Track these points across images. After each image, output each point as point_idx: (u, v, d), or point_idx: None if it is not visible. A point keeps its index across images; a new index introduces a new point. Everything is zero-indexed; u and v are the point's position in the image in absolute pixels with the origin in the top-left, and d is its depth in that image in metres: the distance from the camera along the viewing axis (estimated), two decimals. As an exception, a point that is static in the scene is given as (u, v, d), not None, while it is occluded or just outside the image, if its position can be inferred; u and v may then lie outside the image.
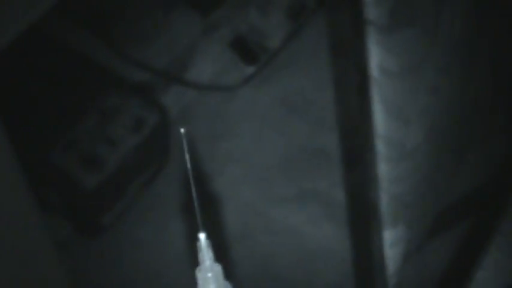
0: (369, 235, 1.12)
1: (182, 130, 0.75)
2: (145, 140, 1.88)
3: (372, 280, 1.16)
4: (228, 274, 1.89)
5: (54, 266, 1.71)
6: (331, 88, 2.12)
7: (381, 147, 1.02)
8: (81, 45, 1.93)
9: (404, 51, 0.98)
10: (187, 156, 0.74)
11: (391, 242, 1.10)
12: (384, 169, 1.04)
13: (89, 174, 1.81)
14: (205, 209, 1.94)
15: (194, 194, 0.74)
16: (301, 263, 1.92)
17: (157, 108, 1.91)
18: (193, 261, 1.92)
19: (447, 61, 1.04)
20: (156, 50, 2.03)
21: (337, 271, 1.90)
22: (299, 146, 2.08)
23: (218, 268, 0.79)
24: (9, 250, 1.55)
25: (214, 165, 2.06)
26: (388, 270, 1.11)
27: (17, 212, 1.53)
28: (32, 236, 1.59)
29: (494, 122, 1.29)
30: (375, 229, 1.08)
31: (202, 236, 0.77)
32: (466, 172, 1.21)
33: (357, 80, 0.96)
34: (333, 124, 2.08)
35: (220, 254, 1.92)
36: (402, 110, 1.02)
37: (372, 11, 0.93)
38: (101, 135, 1.84)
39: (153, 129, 1.89)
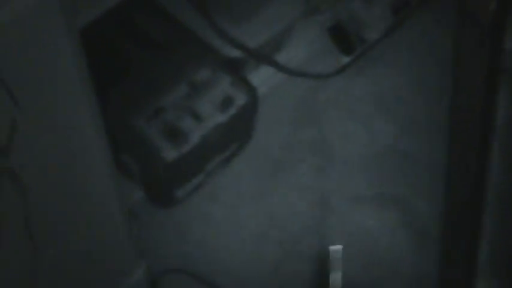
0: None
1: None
2: (231, 119, 1.85)
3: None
4: (292, 267, 1.86)
5: (125, 231, 1.71)
6: (426, 91, 2.07)
7: (491, 197, 0.97)
8: (179, 15, 1.89)
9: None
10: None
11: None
12: (492, 221, 0.99)
13: (170, 146, 1.79)
14: (279, 197, 1.92)
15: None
16: (368, 268, 1.88)
17: (247, 89, 1.87)
18: (259, 247, 1.90)
19: None
20: (254, 28, 1.98)
21: (402, 283, 1.86)
22: (384, 145, 2.03)
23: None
24: (84, 211, 1.55)
25: (294, 153, 2.02)
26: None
27: (97, 176, 1.53)
28: (107, 199, 1.59)
29: None
30: (468, 278, 1.03)
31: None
32: None
33: (481, 130, 0.91)
34: (422, 128, 2.03)
35: (288, 244, 1.89)
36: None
37: (508, 59, 0.87)
38: (188, 109, 1.81)
39: (240, 109, 1.86)
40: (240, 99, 1.85)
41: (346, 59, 2.12)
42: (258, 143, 2.00)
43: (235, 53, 1.93)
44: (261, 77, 2.04)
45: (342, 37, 2.12)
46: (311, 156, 2.01)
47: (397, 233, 1.90)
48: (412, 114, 2.05)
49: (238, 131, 1.92)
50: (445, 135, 2.00)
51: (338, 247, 0.79)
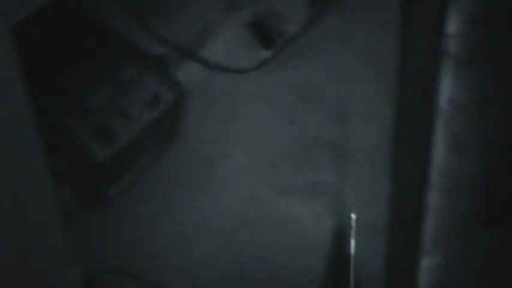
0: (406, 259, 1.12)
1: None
2: (160, 116, 1.86)
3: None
4: (227, 259, 1.89)
5: (59, 233, 1.70)
6: (345, 80, 2.13)
7: (434, 175, 1.02)
8: (104, 14, 1.89)
9: (475, 86, 0.97)
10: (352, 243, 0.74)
11: (428, 269, 1.10)
12: (434, 197, 1.03)
13: (101, 146, 1.79)
14: (209, 191, 1.94)
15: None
16: (299, 256, 1.92)
17: (174, 85, 1.89)
18: (193, 242, 1.91)
19: (508, 98, 1.04)
20: (176, 25, 2.00)
21: (333, 268, 1.90)
22: (308, 136, 2.08)
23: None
24: (18, 215, 1.54)
25: (222, 147, 2.04)
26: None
27: (30, 178, 1.52)
28: (40, 201, 1.58)
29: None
30: (414, 254, 1.08)
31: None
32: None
33: (427, 112, 0.95)
34: (345, 116, 2.08)
35: (221, 237, 1.92)
36: (462, 141, 1.02)
37: (452, 44, 0.92)
38: (117, 108, 1.82)
39: (168, 106, 1.87)
40: (167, 96, 1.86)
41: (266, 53, 2.16)
42: (186, 139, 2.02)
43: (160, 50, 1.94)
44: (186, 73, 2.05)
45: (262, 32, 2.16)
46: (238, 150, 2.04)
47: (324, 219, 1.95)
48: (335, 104, 2.10)
49: (167, 127, 1.94)
50: (368, 122, 2.06)
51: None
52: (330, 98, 2.11)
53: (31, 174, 1.51)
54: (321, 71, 2.15)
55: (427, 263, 1.11)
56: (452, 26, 0.90)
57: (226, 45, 2.13)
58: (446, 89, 0.95)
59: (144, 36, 1.92)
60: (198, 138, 2.03)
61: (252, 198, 1.99)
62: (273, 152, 2.05)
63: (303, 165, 2.03)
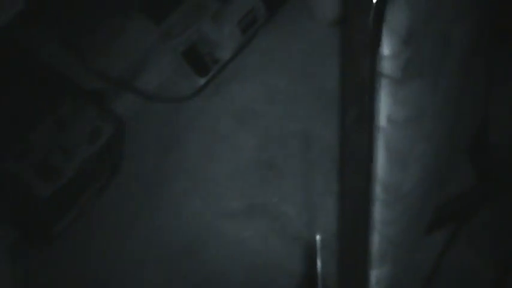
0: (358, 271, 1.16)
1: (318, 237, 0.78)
2: (101, 149, 1.87)
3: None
4: (177, 286, 1.89)
5: (5, 272, 1.70)
6: (281, 102, 2.17)
7: (378, 191, 1.06)
8: (38, 52, 1.90)
9: (411, 102, 1.02)
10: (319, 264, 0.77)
11: (377, 280, 1.14)
12: (379, 212, 1.07)
13: (43, 183, 1.79)
14: (154, 221, 1.95)
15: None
16: (249, 278, 1.95)
17: (113, 118, 1.90)
18: (140, 272, 1.92)
19: (443, 110, 1.09)
20: (111, 58, 2.01)
21: (283, 286, 1.93)
22: (248, 159, 2.11)
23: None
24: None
25: (163, 176, 2.06)
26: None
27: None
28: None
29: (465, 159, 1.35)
30: (363, 267, 1.12)
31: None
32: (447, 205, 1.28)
33: (366, 129, 0.99)
34: (282, 138, 2.12)
35: (169, 266, 1.93)
36: (402, 156, 1.06)
37: (387, 65, 0.96)
38: (57, 144, 1.82)
39: (109, 139, 1.88)
40: (107, 129, 1.88)
41: (202, 80, 2.18)
42: (128, 170, 2.03)
43: (97, 84, 1.96)
44: (124, 105, 2.07)
45: (196, 59, 2.18)
46: (179, 177, 2.06)
47: (270, 239, 1.97)
48: (271, 126, 2.14)
49: (108, 160, 1.95)
50: (306, 142, 2.10)
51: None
52: (267, 120, 2.14)
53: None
54: (256, 94, 2.18)
55: (375, 275, 1.15)
56: (386, 47, 0.95)
57: (162, 75, 2.15)
58: (384, 107, 0.99)
59: (80, 71, 1.94)
60: (139, 168, 2.05)
61: (196, 224, 2.01)
62: (214, 177, 2.07)
63: (245, 188, 2.06)
